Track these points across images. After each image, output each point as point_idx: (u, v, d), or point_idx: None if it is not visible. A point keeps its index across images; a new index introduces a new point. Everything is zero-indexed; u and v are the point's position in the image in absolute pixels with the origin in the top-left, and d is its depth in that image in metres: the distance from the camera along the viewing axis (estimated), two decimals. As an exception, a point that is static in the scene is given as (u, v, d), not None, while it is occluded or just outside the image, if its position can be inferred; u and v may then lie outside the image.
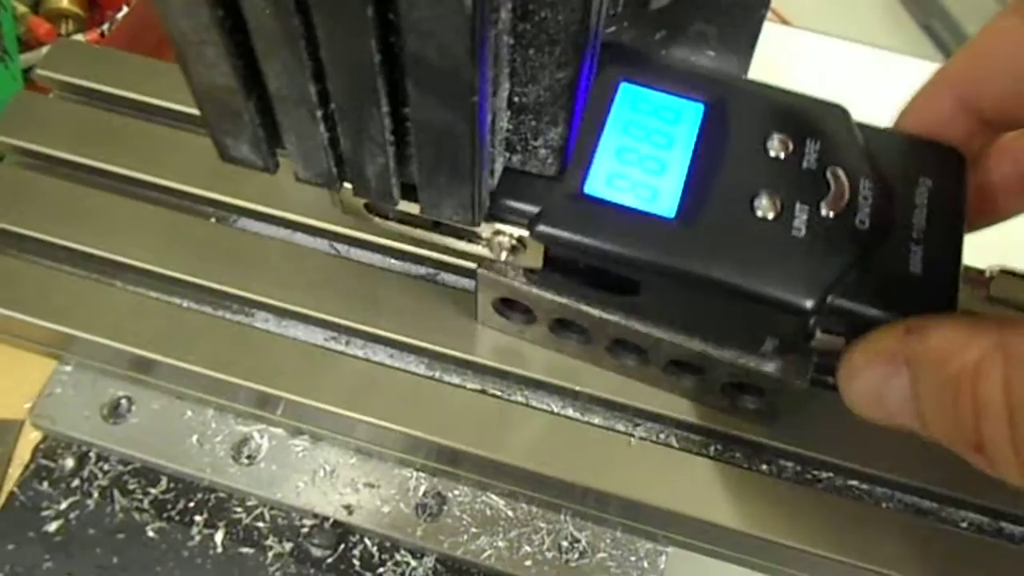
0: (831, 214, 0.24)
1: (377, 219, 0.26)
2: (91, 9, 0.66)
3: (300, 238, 0.34)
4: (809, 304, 0.23)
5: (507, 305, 0.29)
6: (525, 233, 0.24)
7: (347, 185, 0.24)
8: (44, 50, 0.56)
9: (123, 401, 0.33)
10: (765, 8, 0.34)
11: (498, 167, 0.24)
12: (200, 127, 0.36)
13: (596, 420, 0.31)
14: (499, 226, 0.25)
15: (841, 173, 0.25)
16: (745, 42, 0.34)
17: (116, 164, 0.34)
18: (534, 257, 0.25)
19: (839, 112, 0.26)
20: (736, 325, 0.25)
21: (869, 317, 0.23)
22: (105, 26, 0.64)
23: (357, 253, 0.33)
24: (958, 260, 0.24)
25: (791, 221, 0.24)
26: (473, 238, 0.26)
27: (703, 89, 0.27)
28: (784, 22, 0.85)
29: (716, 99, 0.26)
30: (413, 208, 0.24)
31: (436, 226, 0.26)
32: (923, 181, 0.25)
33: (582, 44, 0.20)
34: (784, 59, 0.58)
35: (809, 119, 0.26)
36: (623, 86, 0.27)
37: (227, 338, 0.32)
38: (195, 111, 0.36)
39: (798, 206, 0.24)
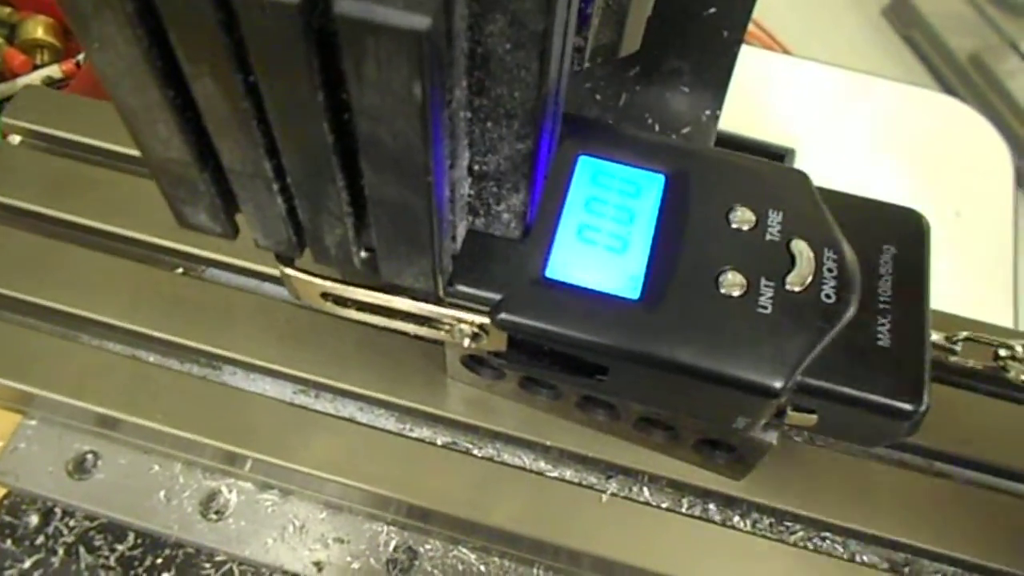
0: (796, 289, 0.24)
1: (336, 308, 0.26)
2: (66, 39, 0.66)
3: (269, 288, 0.33)
4: (779, 385, 0.22)
5: (476, 361, 0.29)
6: (486, 320, 0.24)
7: (300, 276, 0.24)
8: (19, 81, 0.56)
9: (89, 456, 0.33)
10: (738, 44, 0.34)
11: (461, 231, 0.24)
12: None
13: (568, 474, 0.30)
14: (460, 314, 0.24)
15: (804, 245, 0.24)
16: (720, 76, 0.34)
17: (82, 215, 0.34)
18: (497, 342, 0.25)
19: (800, 178, 0.26)
20: (707, 402, 0.24)
21: (840, 394, 0.23)
22: (81, 55, 0.64)
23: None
24: (925, 328, 0.24)
25: (757, 298, 0.24)
26: (435, 325, 0.25)
27: (663, 159, 0.26)
28: (770, 36, 0.85)
29: (677, 169, 0.26)
30: (371, 296, 0.24)
31: (393, 316, 0.26)
32: (887, 248, 0.25)
33: (539, 117, 0.20)
34: (766, 84, 0.58)
35: (770, 188, 0.26)
36: (581, 159, 0.26)
37: (194, 394, 0.31)
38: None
39: (763, 282, 0.24)
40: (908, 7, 1.26)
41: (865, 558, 0.30)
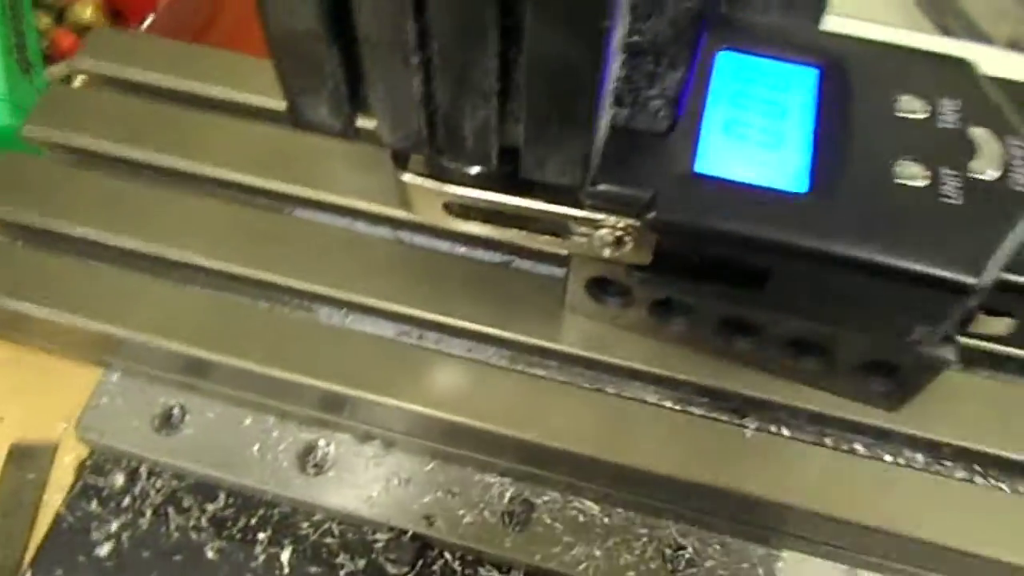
0: (984, 177, 0.21)
1: (457, 220, 0.24)
2: (114, 21, 0.64)
3: (360, 227, 0.31)
4: (974, 280, 0.20)
5: (601, 288, 0.26)
6: (634, 223, 0.22)
7: (423, 182, 0.22)
8: (66, 63, 0.54)
9: (176, 410, 0.30)
10: None
11: (604, 125, 0.21)
12: (244, 115, 0.33)
13: (698, 411, 0.28)
14: (600, 216, 0.22)
15: (985, 132, 0.22)
16: (813, 4, 0.32)
17: (159, 156, 0.32)
18: (643, 251, 0.22)
19: (966, 66, 0.23)
20: (882, 308, 0.22)
21: None
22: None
23: (423, 240, 0.31)
24: None
25: (939, 187, 0.21)
26: (570, 234, 0.23)
27: (813, 52, 0.24)
28: None
29: (829, 62, 0.24)
30: (505, 200, 0.21)
31: (523, 225, 0.23)
32: None
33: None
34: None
35: (937, 76, 0.23)
36: (721, 55, 0.24)
37: (288, 335, 0.29)
38: (239, 98, 0.34)
39: (945, 171, 0.21)
40: (945, -2, 1.22)
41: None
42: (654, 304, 0.26)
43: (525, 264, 0.30)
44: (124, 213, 0.31)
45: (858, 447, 0.27)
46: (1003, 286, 0.20)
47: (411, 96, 0.19)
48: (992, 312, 0.21)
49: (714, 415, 0.28)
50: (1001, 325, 0.21)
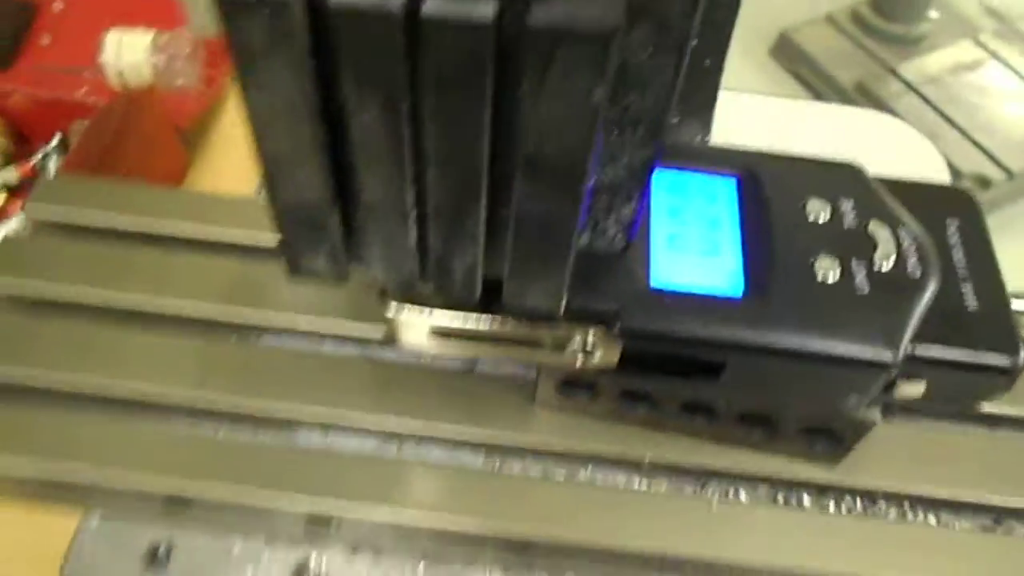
0: (885, 268, 0.25)
1: (440, 344, 0.26)
2: (18, 143, 0.64)
3: (328, 348, 0.33)
4: (892, 357, 0.24)
5: (571, 385, 0.29)
6: (601, 334, 0.24)
7: (411, 312, 0.24)
8: (15, 218, 0.53)
9: (162, 547, 0.31)
10: (719, 71, 0.36)
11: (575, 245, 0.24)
12: (201, 249, 0.35)
13: (664, 486, 0.31)
14: (572, 329, 0.25)
15: (881, 226, 0.26)
16: (706, 103, 0.36)
17: (122, 296, 0.33)
18: (610, 356, 0.25)
19: (856, 170, 0.28)
20: (819, 386, 0.25)
21: (948, 360, 0.24)
22: (38, 156, 0.62)
23: (390, 355, 0.33)
24: (1004, 289, 0.26)
25: (853, 280, 0.25)
26: (544, 346, 0.26)
27: (729, 163, 0.28)
28: None
29: (745, 172, 0.28)
30: (487, 323, 0.24)
31: (501, 342, 0.26)
32: (950, 222, 0.27)
33: (663, 123, 0.21)
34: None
35: (833, 180, 0.27)
36: (656, 173, 0.27)
37: (270, 462, 0.30)
38: (193, 232, 0.35)
39: (854, 264, 0.25)
40: (793, 45, 1.35)
41: (958, 525, 0.31)
42: (620, 395, 0.29)
43: (488, 367, 0.33)
44: (92, 359, 0.31)
45: (806, 501, 0.31)
46: (911, 357, 0.24)
47: (406, 245, 0.22)
48: (908, 379, 0.25)
49: (678, 488, 0.30)
50: (917, 389, 0.25)
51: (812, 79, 1.33)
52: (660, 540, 0.28)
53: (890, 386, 0.25)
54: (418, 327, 0.25)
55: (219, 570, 0.30)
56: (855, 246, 0.26)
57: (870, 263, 0.25)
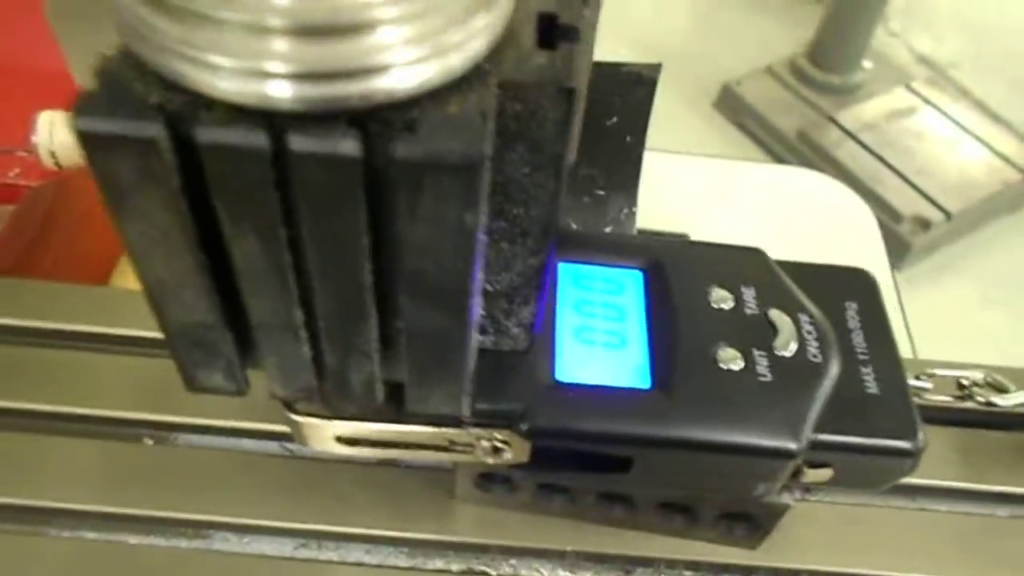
0: (786, 354, 0.26)
1: (347, 449, 0.26)
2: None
3: (248, 444, 0.32)
4: (796, 446, 0.24)
5: (488, 480, 0.29)
6: (509, 433, 0.24)
7: (312, 421, 0.24)
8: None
9: (70, 664, 0.30)
10: (641, 146, 0.37)
11: (473, 354, 0.24)
12: (114, 348, 0.34)
13: (588, 576, 0.30)
14: (481, 432, 0.25)
15: (781, 314, 0.26)
16: (630, 176, 0.37)
17: (22, 400, 0.32)
18: (520, 453, 0.25)
19: (759, 255, 0.28)
20: (727, 475, 0.25)
21: (848, 444, 0.24)
22: (-37, 243, 0.61)
23: (308, 451, 0.32)
24: (902, 370, 0.26)
25: (755, 368, 0.25)
26: (454, 448, 0.25)
27: (635, 255, 0.28)
28: None
29: (650, 263, 0.28)
30: (391, 430, 0.24)
31: (409, 446, 0.26)
32: (849, 304, 0.27)
33: (551, 230, 0.21)
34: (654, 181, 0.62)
35: (737, 267, 0.28)
36: (562, 266, 0.28)
37: (187, 569, 0.29)
38: (107, 331, 0.35)
39: (756, 353, 0.25)
40: (735, 97, 1.39)
41: (882, 602, 0.31)
42: (537, 488, 0.29)
43: (410, 457, 0.32)
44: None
45: (730, 584, 0.31)
46: (816, 445, 0.25)
47: (301, 361, 0.21)
48: (814, 466, 0.25)
49: (602, 578, 0.30)
50: (824, 475, 0.25)
51: (755, 129, 1.37)
52: (582, 636, 0.28)
53: (797, 472, 0.25)
54: (322, 434, 0.25)
55: None
56: (757, 334, 0.26)
57: (771, 350, 0.26)
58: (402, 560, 0.30)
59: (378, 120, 0.16)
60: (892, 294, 0.58)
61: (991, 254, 1.07)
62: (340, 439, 0.25)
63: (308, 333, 0.21)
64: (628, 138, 0.38)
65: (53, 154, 0.70)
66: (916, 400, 0.29)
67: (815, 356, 0.26)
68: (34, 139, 0.71)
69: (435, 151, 0.16)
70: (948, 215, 1.09)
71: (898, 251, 1.07)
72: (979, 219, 1.11)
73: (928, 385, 0.29)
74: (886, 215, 1.06)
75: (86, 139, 0.16)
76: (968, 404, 0.30)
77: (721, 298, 0.27)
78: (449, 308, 0.19)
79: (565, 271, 0.28)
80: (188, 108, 0.16)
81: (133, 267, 0.19)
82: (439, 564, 0.30)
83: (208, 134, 0.16)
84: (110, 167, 0.16)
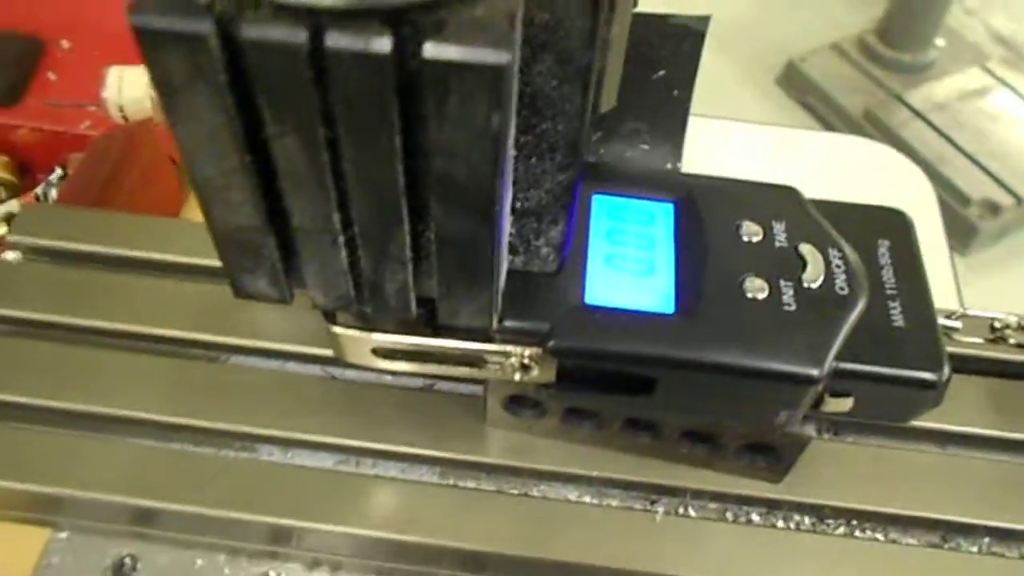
0: (813, 286, 0.26)
1: (385, 361, 0.27)
2: (22, 175, 0.66)
3: (293, 367, 0.34)
4: (817, 372, 0.24)
5: (517, 403, 0.30)
6: (537, 351, 0.25)
7: (351, 333, 0.25)
8: None
9: (127, 560, 0.32)
10: (688, 101, 0.37)
11: (503, 270, 0.25)
12: (173, 274, 0.36)
13: (614, 503, 0.31)
14: (510, 348, 0.26)
15: (811, 248, 0.27)
16: (675, 131, 0.37)
17: (96, 320, 0.34)
18: (547, 373, 0.26)
19: (792, 193, 0.29)
20: (749, 401, 0.26)
21: (871, 373, 0.25)
22: (39, 189, 0.64)
23: (352, 374, 0.34)
24: (931, 306, 0.26)
25: (780, 298, 0.26)
26: (484, 364, 0.27)
27: (669, 189, 0.29)
28: None
29: (683, 197, 0.29)
30: (424, 342, 0.25)
31: (443, 360, 0.27)
32: (881, 242, 0.28)
33: (579, 148, 0.22)
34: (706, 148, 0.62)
35: (769, 203, 0.28)
36: (596, 198, 0.28)
37: (234, 476, 0.31)
38: (166, 258, 0.37)
39: (783, 283, 0.26)
40: (799, 75, 1.36)
41: (906, 541, 0.31)
42: (565, 412, 0.30)
43: (446, 386, 0.34)
44: (64, 377, 0.33)
45: (755, 518, 0.31)
46: (838, 373, 0.25)
47: (339, 268, 0.23)
48: (835, 394, 0.26)
49: (628, 504, 0.31)
50: (845, 404, 0.26)
51: (819, 108, 1.34)
52: (610, 555, 0.29)
53: (818, 402, 0.26)
54: (360, 346, 0.26)
55: (182, 584, 0.31)
56: (784, 265, 0.26)
57: (799, 282, 0.26)
58: (436, 478, 0.32)
59: (409, 22, 0.17)
60: (947, 266, 0.56)
61: (1062, 242, 1.02)
62: (376, 352, 0.26)
63: (346, 238, 0.22)
64: (675, 92, 0.38)
65: (121, 108, 0.73)
66: (947, 340, 0.29)
67: (842, 289, 0.26)
68: (103, 94, 0.74)
69: (462, 51, 0.16)
70: (1019, 199, 1.05)
71: (965, 236, 1.03)
72: (1053, 206, 1.06)
73: (958, 325, 0.29)
74: (954, 198, 1.02)
75: (141, 35, 0.17)
76: (1000, 349, 0.30)
77: (752, 231, 0.27)
78: (478, 216, 0.20)
79: (600, 202, 0.29)
80: (235, 6, 0.17)
81: (185, 168, 0.20)
82: (471, 483, 0.31)
83: (253, 31, 0.17)
84: (162, 63, 0.17)
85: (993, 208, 1.06)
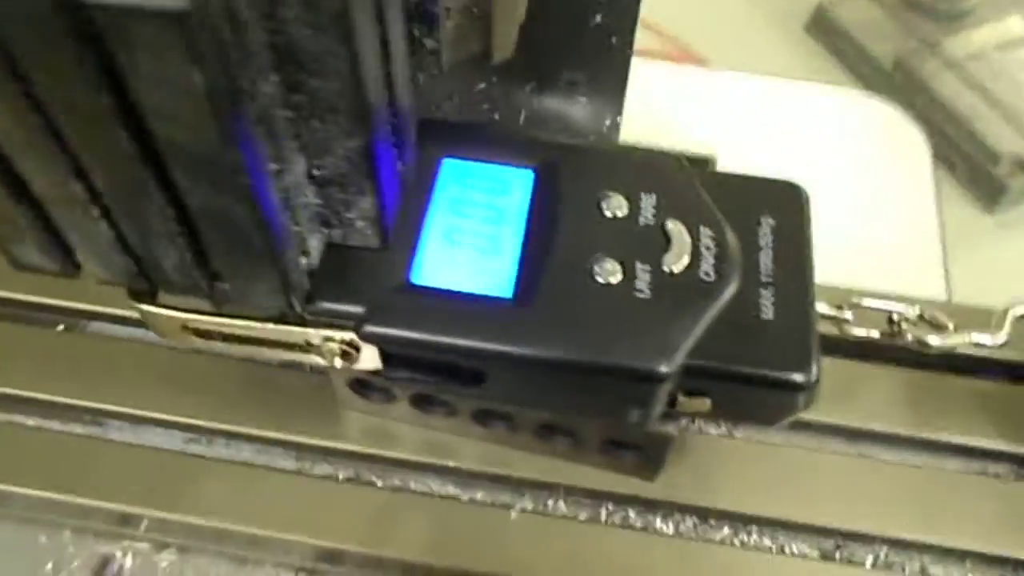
0: (674, 270, 0.23)
1: (202, 342, 0.24)
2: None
3: (152, 336, 0.32)
4: (663, 369, 0.21)
5: (364, 386, 0.27)
6: (354, 336, 0.23)
7: (154, 310, 0.23)
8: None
9: (-30, 536, 0.30)
10: (628, 49, 0.34)
11: (315, 244, 0.22)
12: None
13: (479, 495, 0.29)
14: (326, 332, 0.23)
15: (679, 225, 0.24)
16: (615, 84, 0.34)
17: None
18: (371, 359, 0.24)
19: (674, 163, 0.25)
20: (591, 397, 0.23)
21: (727, 372, 0.22)
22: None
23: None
24: (809, 298, 0.23)
25: (633, 283, 0.23)
26: (304, 349, 0.24)
27: (531, 154, 0.26)
28: (700, 62, 0.87)
29: (546, 164, 0.25)
30: (231, 324, 0.22)
31: (260, 343, 0.24)
32: (764, 221, 0.24)
33: (367, 110, 0.19)
34: (686, 98, 0.58)
35: (643, 174, 0.25)
36: (445, 162, 0.25)
37: (78, 455, 0.29)
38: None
39: (639, 266, 0.23)
40: (829, 20, 1.29)
41: (795, 548, 0.28)
42: (415, 397, 0.27)
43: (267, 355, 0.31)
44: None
45: (632, 517, 0.29)
46: (689, 370, 0.22)
47: (105, 240, 0.20)
48: (690, 393, 0.23)
49: (492, 499, 0.29)
50: (703, 404, 0.23)
51: (850, 55, 1.26)
52: (452, 554, 0.27)
53: (673, 401, 0.23)
54: (169, 324, 0.24)
55: (20, 559, 0.30)
56: (646, 246, 0.23)
57: (658, 265, 0.23)
58: (290, 463, 0.30)
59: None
60: (935, 229, 0.52)
61: (1094, 201, 0.96)
62: (191, 330, 0.24)
63: (99, 210, 0.19)
64: (614, 39, 0.35)
65: None
66: (838, 333, 0.26)
67: (707, 275, 0.23)
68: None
69: (130, -6, 0.14)
70: None
71: (993, 193, 0.97)
72: (1086, 164, 0.99)
73: (848, 316, 0.26)
74: (982, 154, 0.96)
75: None
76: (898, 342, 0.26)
77: (615, 206, 0.24)
78: (224, 185, 0.17)
79: (450, 168, 0.25)
80: None
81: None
82: (327, 469, 0.29)
83: None
84: None
85: (1023, 165, 0.99)
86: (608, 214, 0.24)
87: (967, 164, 0.86)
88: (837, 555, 0.28)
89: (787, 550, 0.28)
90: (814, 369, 0.22)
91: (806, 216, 0.25)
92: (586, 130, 0.34)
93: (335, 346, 0.23)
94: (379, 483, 0.29)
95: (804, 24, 1.21)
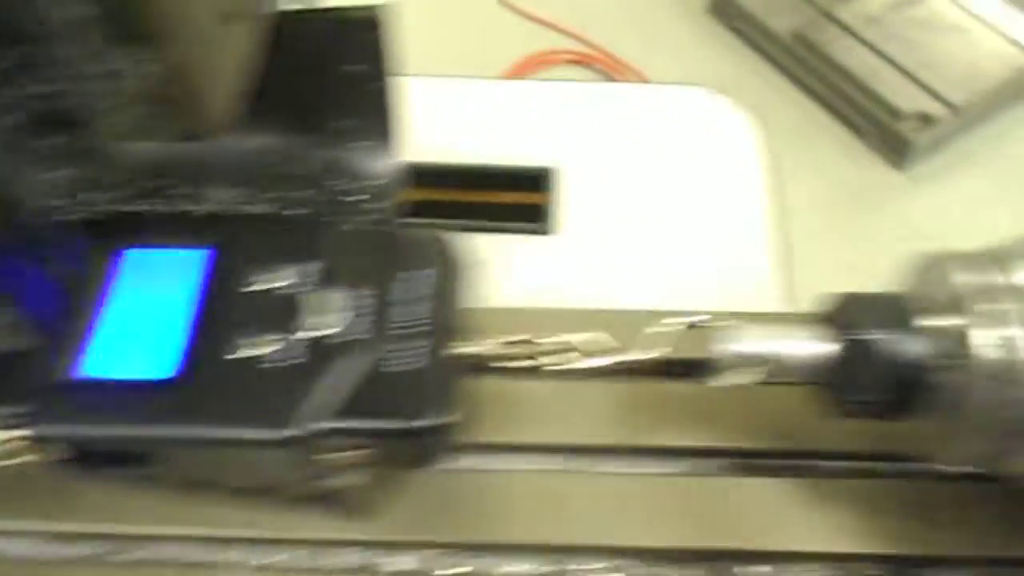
0: (302, 337, 0.25)
1: None
2: None
3: None
4: (283, 435, 0.23)
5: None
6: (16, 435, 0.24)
7: None
8: None
9: None
10: (387, 92, 0.35)
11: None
12: None
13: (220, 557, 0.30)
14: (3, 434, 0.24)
15: (312, 292, 0.25)
16: (383, 126, 0.35)
17: None
18: (59, 451, 0.25)
19: (318, 226, 0.27)
20: (244, 468, 0.25)
21: (352, 429, 0.24)
22: None
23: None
24: (444, 344, 0.25)
25: (264, 354, 0.24)
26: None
27: (212, 233, 0.27)
28: (609, 56, 0.88)
29: (225, 242, 0.27)
30: None
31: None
32: (401, 276, 0.26)
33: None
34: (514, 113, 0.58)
35: (289, 242, 0.27)
36: (127, 254, 0.27)
37: None
38: None
39: (271, 336, 0.25)
40: (729, 1, 1.31)
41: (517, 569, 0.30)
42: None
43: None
44: None
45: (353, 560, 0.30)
46: (320, 432, 0.24)
47: None
48: (329, 451, 0.24)
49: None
50: (349, 458, 0.24)
51: (751, 34, 1.28)
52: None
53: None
54: None
55: None
56: (280, 316, 0.25)
57: (289, 333, 0.25)
58: (31, 550, 0.30)
59: None
60: (764, 217, 0.51)
61: (1003, 146, 1.00)
62: None
63: None
64: (372, 84, 0.36)
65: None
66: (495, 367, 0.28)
67: (332, 337, 0.25)
68: None
69: None
70: (954, 108, 1.01)
71: (900, 150, 0.99)
72: (990, 111, 1.02)
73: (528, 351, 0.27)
74: (885, 113, 0.99)
75: None
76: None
77: (260, 278, 0.26)
78: None
79: (130, 258, 0.27)
80: None
81: None
82: (70, 552, 0.30)
83: None
84: None
85: (926, 119, 1.01)
86: (253, 289, 0.26)
87: (873, 125, 0.88)
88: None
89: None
90: (449, 413, 0.24)
91: (455, 267, 0.27)
92: (373, 173, 0.35)
93: (13, 446, 0.25)
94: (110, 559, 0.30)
95: (705, 7, 1.24)
